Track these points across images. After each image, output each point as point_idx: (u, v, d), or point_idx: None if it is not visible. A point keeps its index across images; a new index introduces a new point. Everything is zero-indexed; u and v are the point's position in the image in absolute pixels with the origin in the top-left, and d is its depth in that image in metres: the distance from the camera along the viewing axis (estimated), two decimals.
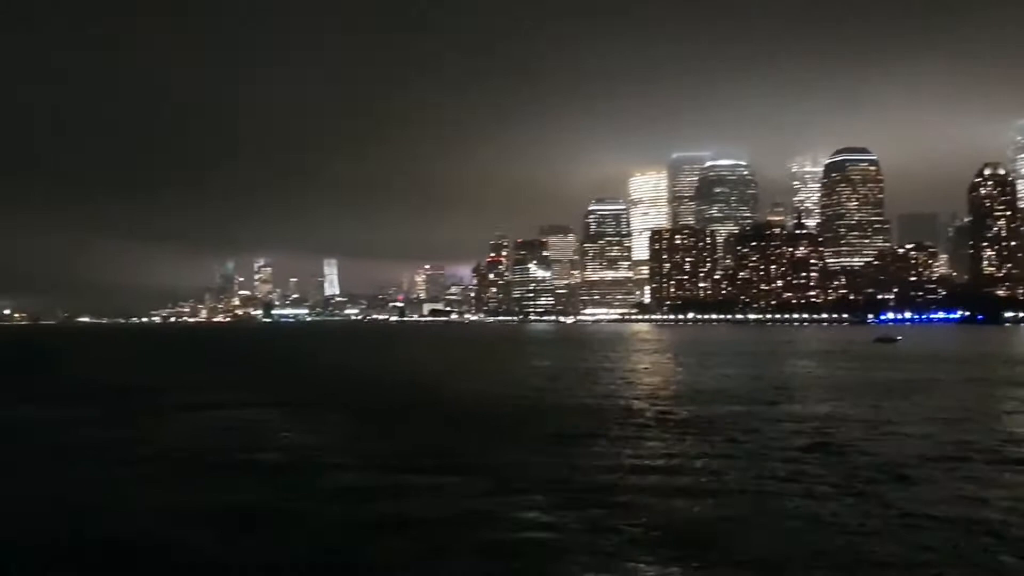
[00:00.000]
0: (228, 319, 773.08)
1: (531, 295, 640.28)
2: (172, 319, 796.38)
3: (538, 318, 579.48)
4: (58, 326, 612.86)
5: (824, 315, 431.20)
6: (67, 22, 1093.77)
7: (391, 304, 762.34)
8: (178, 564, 20.14)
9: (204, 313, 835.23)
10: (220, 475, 30.55)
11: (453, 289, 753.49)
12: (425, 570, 19.59)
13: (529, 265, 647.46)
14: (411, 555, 20.43)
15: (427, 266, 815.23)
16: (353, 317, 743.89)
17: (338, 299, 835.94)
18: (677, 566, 19.48)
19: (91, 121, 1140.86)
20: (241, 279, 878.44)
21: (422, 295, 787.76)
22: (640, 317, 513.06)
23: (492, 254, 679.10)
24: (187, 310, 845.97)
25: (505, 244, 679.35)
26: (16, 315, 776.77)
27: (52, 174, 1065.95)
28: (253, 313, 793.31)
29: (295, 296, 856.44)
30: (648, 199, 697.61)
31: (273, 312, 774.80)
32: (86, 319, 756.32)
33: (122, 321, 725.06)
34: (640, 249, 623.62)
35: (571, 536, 21.83)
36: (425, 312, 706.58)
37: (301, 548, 21.06)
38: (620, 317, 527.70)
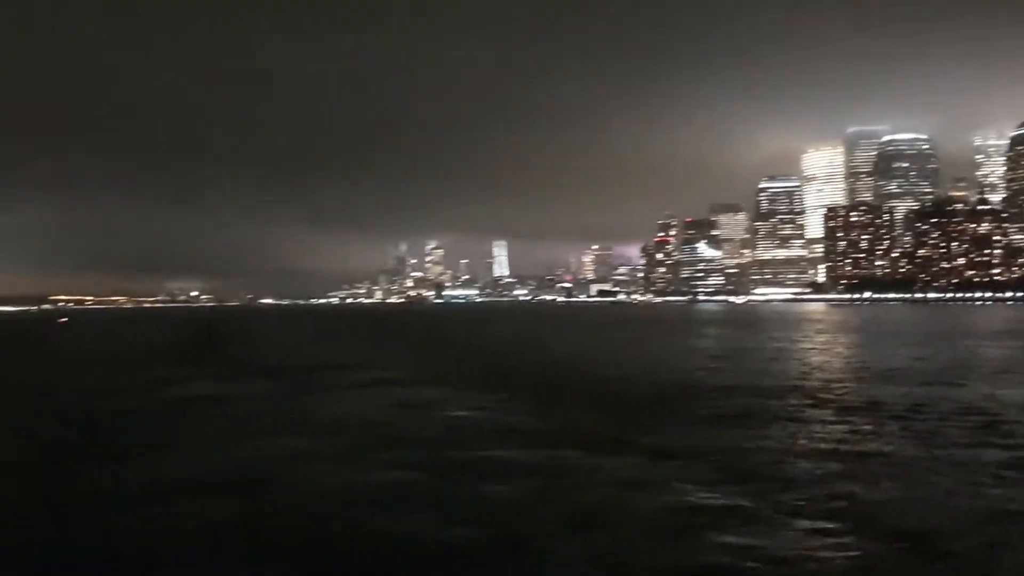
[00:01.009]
0: (401, 300, 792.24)
1: (700, 275, 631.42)
2: (348, 300, 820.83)
3: (707, 298, 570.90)
4: (241, 307, 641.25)
5: (1008, 294, 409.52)
6: (270, 22, 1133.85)
7: (559, 285, 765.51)
8: (348, 533, 21.29)
9: (378, 294, 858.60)
10: (392, 448, 31.96)
11: (621, 270, 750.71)
12: (584, 539, 20.16)
13: (698, 244, 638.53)
14: (568, 526, 21.08)
15: (595, 247, 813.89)
16: (521, 298, 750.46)
17: (507, 280, 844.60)
18: (834, 538, 19.51)
19: (281, 115, 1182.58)
20: (413, 261, 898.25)
21: (590, 276, 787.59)
22: (814, 297, 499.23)
23: (660, 234, 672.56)
24: (362, 291, 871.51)
25: (674, 223, 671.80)
26: (203, 297, 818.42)
27: (237, 164, 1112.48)
28: (425, 294, 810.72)
29: (465, 277, 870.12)
30: (823, 175, 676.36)
31: (444, 293, 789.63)
32: (268, 301, 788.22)
33: (301, 302, 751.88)
34: (814, 227, 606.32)
35: (732, 510, 22.06)
36: (593, 293, 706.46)
37: (465, 521, 21.96)
38: (793, 297, 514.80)
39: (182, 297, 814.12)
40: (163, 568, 18.91)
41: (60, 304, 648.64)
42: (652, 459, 28.50)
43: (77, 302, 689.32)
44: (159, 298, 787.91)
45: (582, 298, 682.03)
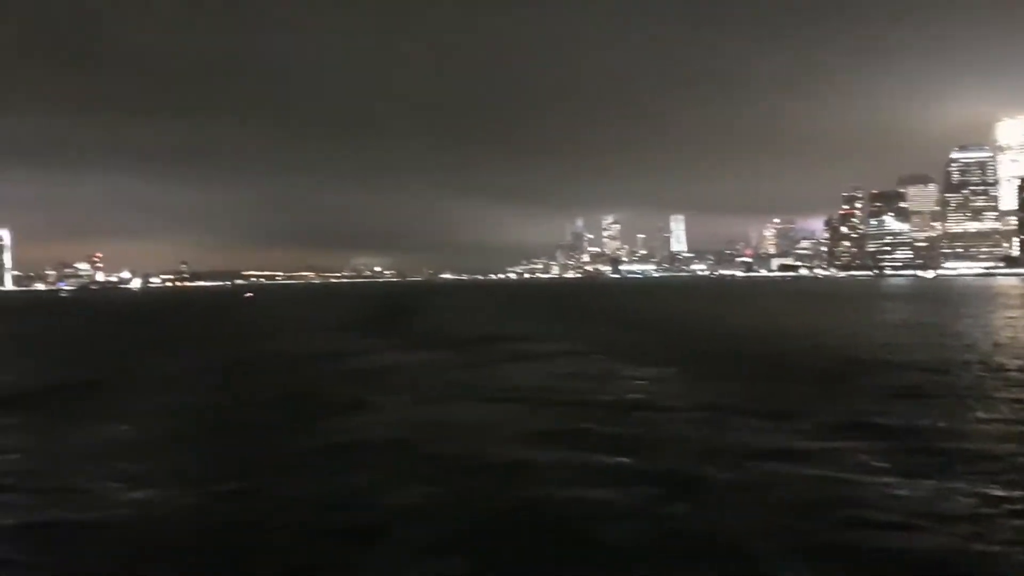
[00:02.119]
0: (578, 275, 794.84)
1: (887, 249, 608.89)
2: (526, 275, 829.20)
3: (894, 273, 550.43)
4: (422, 282, 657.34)
5: None
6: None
7: (738, 260, 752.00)
8: (520, 481, 22.85)
9: (556, 270, 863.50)
10: (562, 412, 33.61)
11: (803, 243, 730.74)
12: (746, 497, 21.07)
13: (885, 217, 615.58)
14: (733, 488, 22.04)
15: (776, 220, 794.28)
16: (700, 273, 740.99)
17: (685, 255, 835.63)
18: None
19: (458, 90, 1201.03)
20: (591, 236, 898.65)
21: (771, 250, 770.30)
22: (1008, 271, 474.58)
23: (845, 206, 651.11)
24: (540, 267, 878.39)
25: (859, 195, 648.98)
26: (386, 272, 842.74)
27: (416, 141, 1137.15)
28: (602, 269, 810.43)
29: (642, 252, 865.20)
30: (1018, 145, 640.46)
31: (621, 268, 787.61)
32: (447, 276, 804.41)
33: (480, 277, 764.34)
34: (1008, 199, 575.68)
35: (893, 478, 22.47)
36: (773, 267, 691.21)
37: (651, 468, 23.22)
38: (985, 271, 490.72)
39: (366, 272, 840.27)
40: (367, 505, 20.89)
41: (252, 279, 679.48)
42: (826, 432, 28.95)
43: (268, 277, 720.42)
44: (344, 273, 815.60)
45: (762, 273, 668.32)
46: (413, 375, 47.43)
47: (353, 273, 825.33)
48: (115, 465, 25.64)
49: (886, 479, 22.38)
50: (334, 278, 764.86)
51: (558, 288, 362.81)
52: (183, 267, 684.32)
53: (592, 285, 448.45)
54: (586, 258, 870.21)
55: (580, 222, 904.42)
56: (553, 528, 19.07)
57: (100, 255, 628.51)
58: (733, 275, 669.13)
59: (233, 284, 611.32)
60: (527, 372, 47.93)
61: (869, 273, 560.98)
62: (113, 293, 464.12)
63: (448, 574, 16.61)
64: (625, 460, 25.17)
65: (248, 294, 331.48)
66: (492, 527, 19.21)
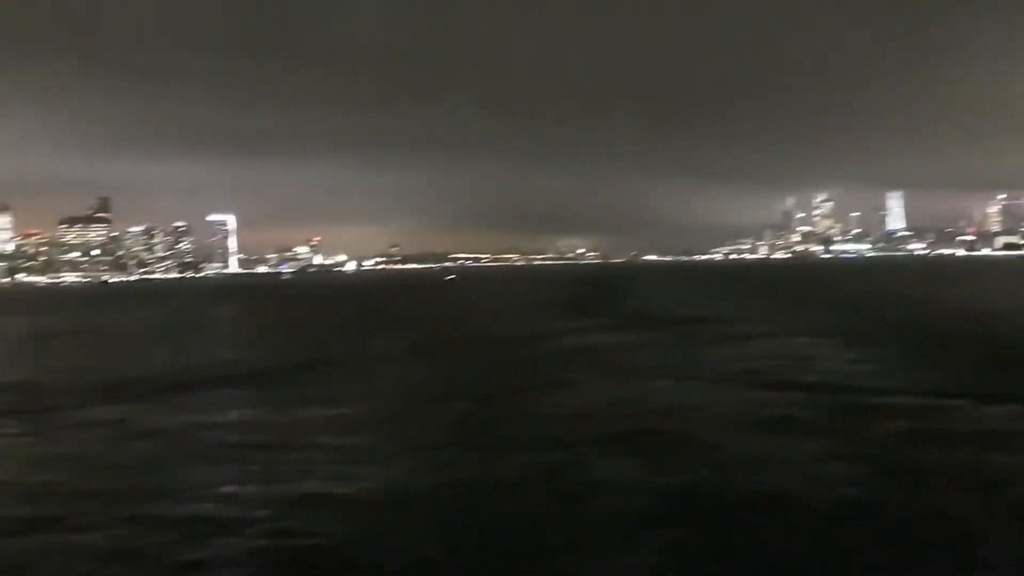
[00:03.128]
0: (787, 256, 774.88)
1: None
2: (732, 256, 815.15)
3: None
4: (625, 264, 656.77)
5: None
6: None
7: (959, 238, 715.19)
8: (719, 458, 23.43)
9: (763, 250, 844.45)
10: (764, 391, 33.95)
11: None
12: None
13: None
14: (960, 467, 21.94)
15: (1002, 196, 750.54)
16: (917, 252, 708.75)
17: (902, 233, 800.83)
18: None
19: (657, 67, 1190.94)
20: (800, 215, 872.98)
21: (995, 228, 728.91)
22: None
23: None
24: (747, 247, 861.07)
25: None
26: (590, 254, 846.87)
27: (616, 118, 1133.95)
28: (812, 249, 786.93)
29: (856, 231, 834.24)
30: None
31: (832, 248, 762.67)
32: (651, 257, 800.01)
33: (684, 259, 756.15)
34: None
35: None
36: (998, 246, 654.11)
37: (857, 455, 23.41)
38: None
39: (570, 254, 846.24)
40: (570, 477, 22.02)
41: (460, 261, 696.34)
42: None
43: (474, 260, 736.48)
44: (548, 255, 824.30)
45: (985, 251, 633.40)
46: (616, 355, 48.40)
47: (557, 255, 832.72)
48: (345, 437, 27.73)
49: None
50: (538, 260, 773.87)
51: (765, 269, 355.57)
52: (394, 250, 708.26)
53: (802, 266, 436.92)
54: (796, 238, 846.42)
55: (790, 200, 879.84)
56: (751, 509, 19.26)
57: (317, 239, 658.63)
58: (954, 254, 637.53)
59: (441, 267, 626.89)
60: (730, 353, 48.07)
61: None
62: (329, 276, 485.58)
63: (648, 543, 17.41)
64: (823, 443, 25.13)
65: (450, 276, 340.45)
66: (692, 505, 19.76)
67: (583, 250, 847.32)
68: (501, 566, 16.27)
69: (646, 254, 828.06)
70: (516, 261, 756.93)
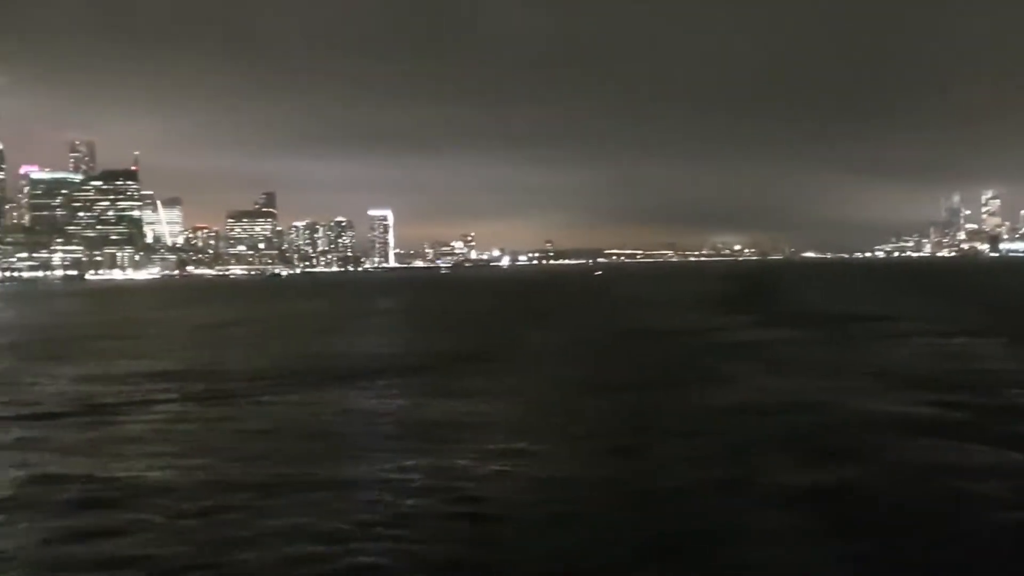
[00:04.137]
0: (952, 254, 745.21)
1: None
2: (895, 254, 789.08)
3: None
4: (783, 261, 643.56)
5: None
6: None
7: None
8: (875, 459, 24.19)
9: (927, 248, 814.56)
10: (921, 391, 34.20)
11: None
12: None
13: None
14: None
15: None
16: None
17: None
18: None
19: (822, 59, 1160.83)
20: (967, 212, 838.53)
21: None
22: None
23: None
24: (910, 244, 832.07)
25: None
26: (746, 251, 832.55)
27: (772, 113, 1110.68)
28: (979, 248, 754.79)
29: None
30: None
31: (1001, 247, 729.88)
32: (810, 254, 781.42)
33: (845, 256, 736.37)
34: None
35: None
36: None
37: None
38: None
39: (725, 251, 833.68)
40: (731, 463, 23.22)
41: (613, 257, 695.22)
42: None
43: (628, 256, 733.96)
44: (703, 252, 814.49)
45: None
46: (774, 351, 48.97)
47: (712, 252, 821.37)
48: (515, 425, 29.57)
49: None
50: (693, 256, 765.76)
51: (929, 267, 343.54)
52: (548, 245, 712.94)
53: (968, 264, 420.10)
54: (962, 236, 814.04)
55: (956, 197, 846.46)
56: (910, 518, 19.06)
57: (473, 234, 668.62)
58: None
59: (594, 262, 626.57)
60: (889, 350, 48.07)
61: None
62: (485, 270, 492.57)
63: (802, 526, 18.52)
64: (976, 448, 25.12)
65: (597, 272, 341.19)
66: (846, 504, 20.34)
67: (739, 247, 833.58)
68: (660, 554, 17.29)
69: (804, 251, 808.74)
70: (670, 257, 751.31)
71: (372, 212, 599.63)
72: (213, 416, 32.41)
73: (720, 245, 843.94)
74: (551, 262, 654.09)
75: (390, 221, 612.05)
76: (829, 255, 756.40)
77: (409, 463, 24.03)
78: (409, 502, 20.31)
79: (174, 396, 37.31)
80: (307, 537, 17.91)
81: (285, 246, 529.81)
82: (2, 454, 26.29)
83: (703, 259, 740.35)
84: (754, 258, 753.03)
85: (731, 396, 33.82)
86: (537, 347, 55.20)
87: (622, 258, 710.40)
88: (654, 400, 33.71)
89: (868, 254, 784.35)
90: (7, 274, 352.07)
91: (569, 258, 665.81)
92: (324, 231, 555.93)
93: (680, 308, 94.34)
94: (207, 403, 35.45)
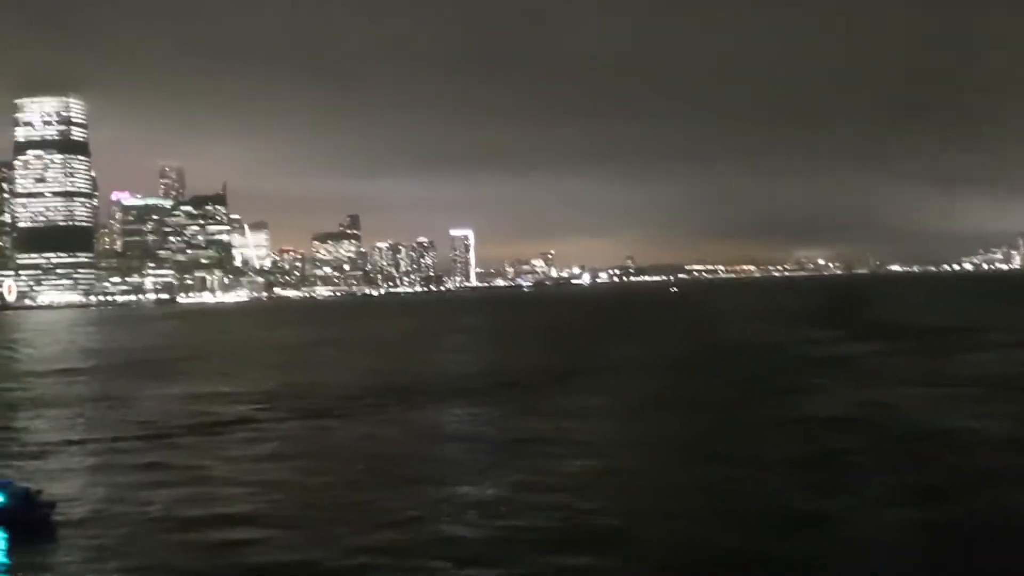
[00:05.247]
0: None
1: None
2: (984, 266, 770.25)
3: None
4: (869, 275, 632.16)
5: None
6: None
7: None
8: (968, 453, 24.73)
9: (1016, 260, 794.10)
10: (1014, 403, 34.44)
11: None
12: None
13: None
14: None
15: None
16: None
17: None
18: None
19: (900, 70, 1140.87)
20: None
21: None
22: None
23: None
24: (998, 256, 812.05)
25: None
26: (831, 264, 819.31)
27: (851, 125, 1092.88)
28: None
29: None
30: None
31: None
32: (896, 268, 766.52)
33: (932, 269, 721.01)
34: None
35: None
36: None
37: None
38: None
39: (810, 265, 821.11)
40: (821, 469, 24.03)
41: (694, 273, 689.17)
42: None
43: (709, 271, 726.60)
44: (787, 266, 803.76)
45: None
46: (862, 363, 49.36)
47: (796, 266, 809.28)
48: (606, 434, 30.74)
49: None
50: (776, 271, 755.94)
51: (1019, 279, 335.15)
52: (628, 262, 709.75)
53: None
54: None
55: None
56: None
57: (552, 252, 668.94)
58: None
59: (675, 278, 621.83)
60: (980, 361, 48.07)
61: None
62: (565, 288, 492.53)
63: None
64: None
65: (673, 288, 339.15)
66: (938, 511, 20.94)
67: (824, 260, 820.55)
68: (758, 547, 18.40)
69: (890, 264, 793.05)
70: (753, 272, 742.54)
71: (453, 232, 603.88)
72: (317, 436, 34.31)
73: (804, 259, 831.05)
74: (632, 279, 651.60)
75: (471, 240, 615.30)
76: (916, 268, 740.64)
77: (513, 479, 25.30)
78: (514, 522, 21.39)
79: (280, 415, 39.14)
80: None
81: (369, 267, 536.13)
82: (136, 473, 28.11)
83: (787, 273, 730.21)
84: (839, 272, 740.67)
85: (825, 406, 34.54)
86: (625, 363, 56.10)
87: (704, 274, 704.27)
88: (742, 409, 34.61)
89: (956, 266, 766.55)
90: (102, 298, 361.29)
91: (650, 274, 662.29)
92: (406, 251, 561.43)
93: (766, 322, 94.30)
94: (309, 421, 37.37)
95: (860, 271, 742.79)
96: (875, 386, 40.10)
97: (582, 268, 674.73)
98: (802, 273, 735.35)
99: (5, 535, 20.90)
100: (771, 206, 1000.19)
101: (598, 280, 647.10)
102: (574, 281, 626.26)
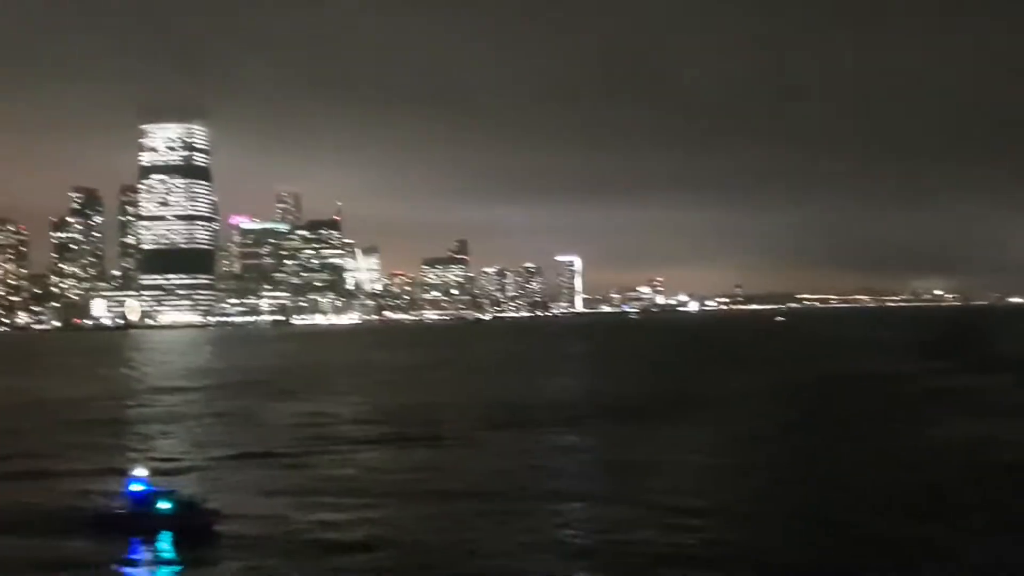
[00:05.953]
0: None
1: None
2: None
3: None
4: (988, 307, 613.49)
5: None
6: None
7: None
8: None
9: None
10: None
11: None
12: None
13: None
14: None
15: None
16: None
17: None
18: None
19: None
20: None
21: None
22: None
23: None
24: None
25: None
26: (948, 295, 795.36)
27: (972, 158, 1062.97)
28: None
29: None
30: None
31: None
32: (1017, 299, 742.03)
33: None
34: None
35: None
36: None
37: None
38: None
39: (926, 296, 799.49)
40: (923, 497, 24.77)
41: (805, 303, 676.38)
42: None
43: (821, 301, 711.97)
44: (902, 297, 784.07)
45: None
46: (978, 395, 49.31)
47: (911, 297, 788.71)
48: (720, 459, 31.78)
49: None
50: (891, 302, 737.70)
51: None
52: (737, 290, 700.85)
53: None
54: None
55: None
56: None
57: (660, 279, 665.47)
58: None
59: (786, 307, 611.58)
60: None
61: None
62: (672, 315, 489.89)
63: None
64: None
65: (779, 317, 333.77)
66: None
67: (940, 292, 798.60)
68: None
69: (1012, 296, 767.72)
70: (866, 303, 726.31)
71: (559, 257, 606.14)
72: (436, 456, 36.15)
73: (920, 290, 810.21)
74: (740, 307, 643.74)
75: (577, 266, 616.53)
76: None
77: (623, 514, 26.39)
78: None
79: (406, 435, 41.16)
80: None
81: (476, 291, 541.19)
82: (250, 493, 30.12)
83: (901, 304, 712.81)
84: (956, 303, 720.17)
85: (940, 437, 35.07)
86: (737, 390, 56.76)
87: (815, 303, 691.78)
88: (858, 440, 35.32)
89: None
90: (220, 319, 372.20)
91: (759, 303, 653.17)
92: (513, 276, 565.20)
93: (879, 354, 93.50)
94: (426, 444, 39.13)
95: (979, 303, 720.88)
96: (992, 419, 40.21)
97: (689, 295, 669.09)
98: (918, 304, 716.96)
99: (172, 539, 23.09)
100: (888, 235, 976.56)
101: (706, 307, 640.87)
102: (680, 308, 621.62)
